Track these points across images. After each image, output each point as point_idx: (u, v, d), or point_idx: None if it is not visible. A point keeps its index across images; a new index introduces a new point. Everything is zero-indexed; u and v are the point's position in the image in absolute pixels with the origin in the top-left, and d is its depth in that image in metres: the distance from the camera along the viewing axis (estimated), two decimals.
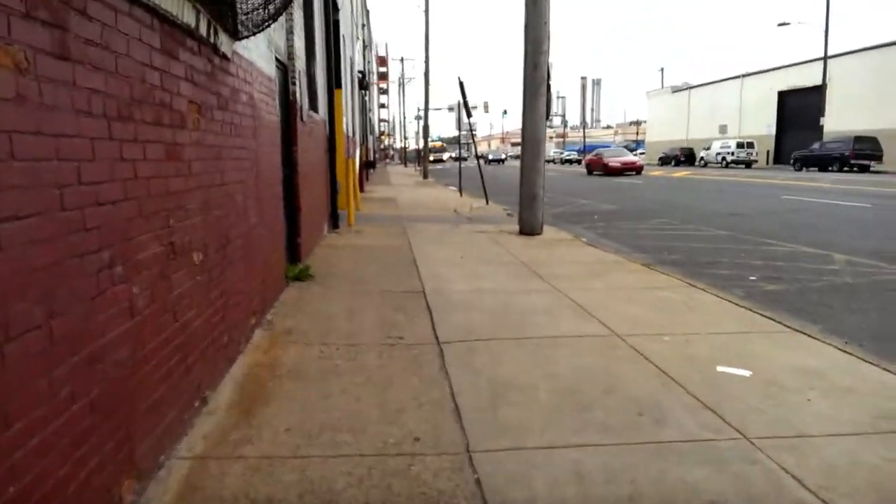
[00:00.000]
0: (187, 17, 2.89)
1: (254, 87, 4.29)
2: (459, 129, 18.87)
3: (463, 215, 12.86)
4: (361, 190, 19.20)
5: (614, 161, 33.18)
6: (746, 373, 3.51)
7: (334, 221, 10.03)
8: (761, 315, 4.75)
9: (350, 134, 16.98)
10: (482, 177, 15.79)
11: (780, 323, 4.54)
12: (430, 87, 33.18)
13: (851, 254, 7.83)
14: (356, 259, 7.15)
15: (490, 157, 68.35)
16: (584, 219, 12.60)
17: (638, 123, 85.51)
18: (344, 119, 14.55)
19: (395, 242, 8.55)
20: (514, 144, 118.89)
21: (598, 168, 33.92)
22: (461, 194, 18.56)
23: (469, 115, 15.12)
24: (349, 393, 3.22)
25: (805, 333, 4.29)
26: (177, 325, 2.77)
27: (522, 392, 3.24)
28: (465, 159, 63.00)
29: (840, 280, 6.49)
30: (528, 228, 9.47)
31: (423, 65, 32.94)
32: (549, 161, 63.60)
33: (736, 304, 5.10)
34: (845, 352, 3.92)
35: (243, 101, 3.96)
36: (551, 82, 9.44)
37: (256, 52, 4.42)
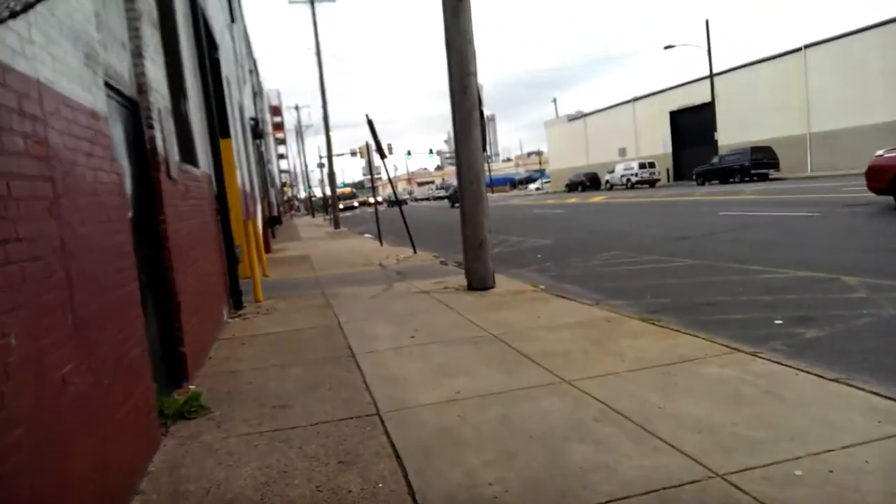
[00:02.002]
0: None
1: (47, 124, 2.40)
2: (372, 171, 17.17)
3: (391, 269, 11.08)
4: (268, 251, 17.04)
5: None
6: None
7: (236, 300, 7.97)
8: (877, 395, 3.28)
9: (248, 189, 14.90)
10: (405, 222, 14.10)
11: None
12: (331, 133, 31.44)
13: (856, 273, 6.71)
14: (269, 360, 5.20)
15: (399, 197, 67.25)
16: (526, 259, 11.15)
17: (539, 154, 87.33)
18: (238, 172, 12.53)
19: (318, 322, 6.63)
20: (420, 184, 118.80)
21: None
22: (381, 243, 16.80)
23: (383, 155, 13.46)
24: None
25: None
26: None
27: None
28: (405, 202, 59.18)
29: (886, 313, 5.24)
30: (479, 282, 7.83)
31: (321, 110, 31.22)
32: (443, 197, 62.90)
33: (822, 378, 3.62)
34: None
35: (8, 149, 2.06)
36: (484, 108, 7.98)
37: (51, 67, 2.54)
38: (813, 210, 13.52)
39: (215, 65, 10.87)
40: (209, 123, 7.93)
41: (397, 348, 5.16)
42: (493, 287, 7.85)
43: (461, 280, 8.68)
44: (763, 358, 4.03)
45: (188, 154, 6.32)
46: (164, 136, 4.88)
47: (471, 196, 7.82)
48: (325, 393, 4.13)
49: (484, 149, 7.90)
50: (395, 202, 16.10)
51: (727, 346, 4.35)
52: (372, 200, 69.56)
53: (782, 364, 3.89)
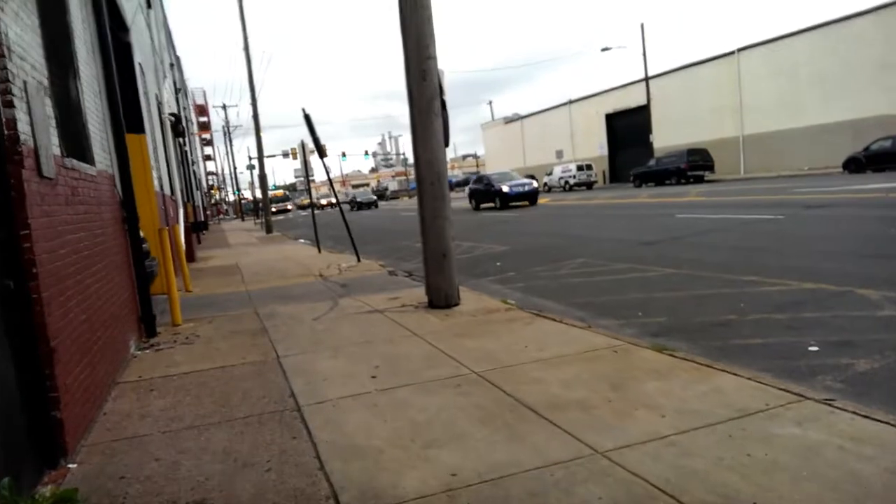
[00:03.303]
0: None
1: None
2: (307, 172, 15.78)
3: (334, 281, 9.83)
4: (192, 260, 15.37)
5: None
6: None
7: (148, 326, 6.56)
8: None
9: (167, 192, 13.26)
10: (348, 227, 12.83)
11: None
12: (262, 134, 29.57)
13: (870, 285, 6.03)
14: (184, 417, 3.92)
15: (358, 199, 58.52)
16: (484, 268, 10.14)
17: (476, 156, 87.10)
18: (155, 174, 10.96)
19: (251, 354, 5.36)
20: (354, 187, 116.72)
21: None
22: (319, 250, 15.45)
23: (322, 154, 12.14)
24: None
25: None
26: None
27: None
28: (373, 205, 55.09)
29: None
30: (443, 300, 6.73)
31: (251, 107, 29.34)
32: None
33: None
34: None
35: None
36: (446, 97, 6.89)
37: None
38: (774, 212, 13.14)
39: (125, 49, 9.36)
40: (113, 114, 6.50)
41: (356, 396, 3.99)
42: (458, 304, 6.77)
43: (418, 295, 7.58)
44: (846, 410, 3.11)
45: (79, 148, 4.93)
46: (32, 120, 3.55)
47: (431, 199, 6.71)
48: (261, 478, 2.92)
49: (446, 143, 6.82)
50: (339, 204, 14.81)
51: (787, 391, 3.42)
52: (324, 202, 62.73)
53: (875, 420, 2.97)
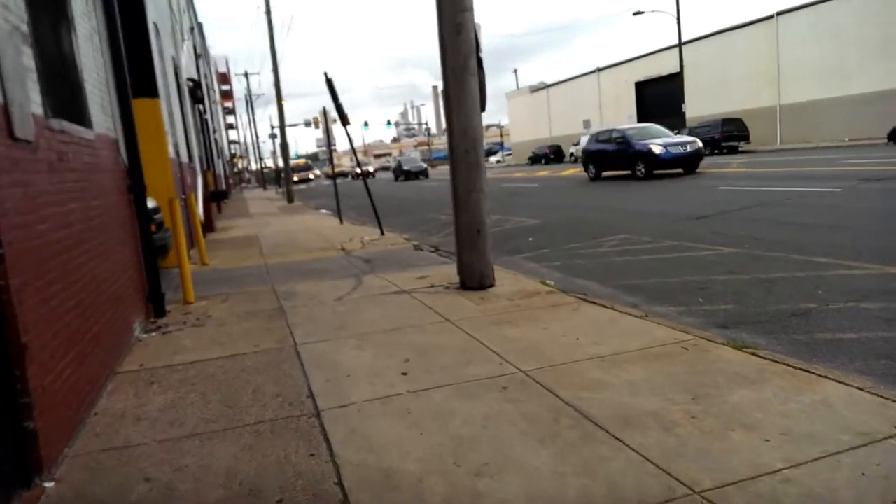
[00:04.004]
0: None
1: None
2: (329, 139, 15.15)
3: (357, 255, 9.27)
4: (211, 230, 14.94)
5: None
6: None
7: (157, 305, 6.05)
8: None
9: (184, 160, 12.73)
10: (371, 199, 12.22)
11: None
12: (284, 104, 28.91)
13: None
14: (186, 420, 3.38)
15: (405, 166, 47.54)
16: (516, 243, 9.49)
17: (500, 126, 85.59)
18: (170, 140, 10.43)
19: (265, 341, 4.81)
20: (376, 156, 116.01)
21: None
22: (341, 221, 14.91)
23: (345, 122, 11.48)
24: None
25: None
26: None
27: None
28: (422, 174, 46.21)
29: None
30: (476, 280, 6.11)
31: (272, 74, 28.67)
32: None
33: None
34: None
35: None
36: (482, 55, 6.17)
37: None
38: (828, 185, 12.19)
39: (137, 5, 8.74)
40: (117, 73, 5.90)
41: (385, 398, 3.41)
42: (492, 285, 6.15)
43: (447, 273, 6.98)
44: None
45: (72, 109, 4.36)
46: (1, 71, 2.96)
47: (465, 169, 6.05)
48: None
49: (483, 107, 6.12)
50: (364, 175, 14.19)
51: None
52: (359, 170, 58.35)
53: None
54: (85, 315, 3.79)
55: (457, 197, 6.15)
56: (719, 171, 17.06)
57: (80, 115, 4.50)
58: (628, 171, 20.11)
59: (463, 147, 6.01)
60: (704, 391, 3.15)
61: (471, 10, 5.95)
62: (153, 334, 5.38)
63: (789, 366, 3.39)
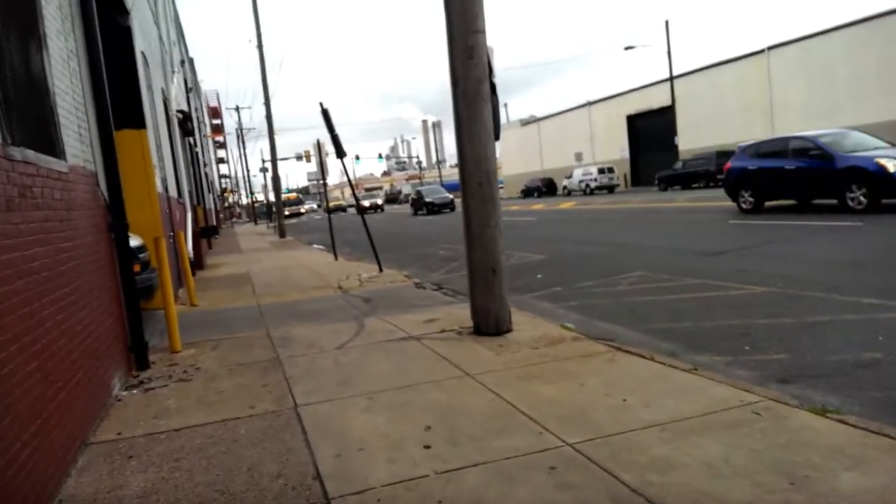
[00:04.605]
0: None
1: None
2: (322, 172, 14.68)
3: (356, 294, 8.69)
4: (200, 267, 14.32)
5: None
6: None
7: (139, 356, 5.43)
8: None
9: (174, 194, 12.19)
10: (369, 233, 11.69)
11: None
12: (275, 137, 28.54)
13: None
14: None
15: (427, 198, 38.10)
16: (524, 280, 8.97)
17: None
18: (158, 174, 9.90)
19: (261, 401, 4.20)
20: (367, 190, 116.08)
21: None
22: (336, 257, 14.34)
23: (341, 154, 11.01)
24: None
25: None
26: None
27: None
28: (448, 206, 37.30)
29: None
30: (493, 324, 5.55)
31: (264, 108, 28.36)
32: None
33: None
34: None
35: None
36: (495, 80, 5.73)
37: None
38: (846, 219, 11.77)
39: (124, 34, 8.31)
40: (97, 100, 5.40)
41: (409, 482, 2.82)
42: (510, 330, 5.60)
43: (457, 315, 6.43)
44: None
45: (40, 138, 3.83)
46: None
47: (479, 202, 5.54)
48: None
49: (496, 135, 5.65)
50: (361, 210, 13.69)
51: None
52: (366, 203, 48.06)
53: None
54: (49, 380, 3.19)
55: (469, 233, 5.63)
56: (723, 205, 16.73)
57: (49, 144, 3.97)
58: (832, 200, 13.42)
59: (476, 179, 5.52)
60: (801, 473, 2.59)
61: (483, 31, 5.52)
62: (134, 391, 4.76)
63: (892, 437, 2.84)
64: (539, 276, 9.33)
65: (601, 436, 3.14)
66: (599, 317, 6.34)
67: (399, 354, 5.17)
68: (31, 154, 3.41)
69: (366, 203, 50.82)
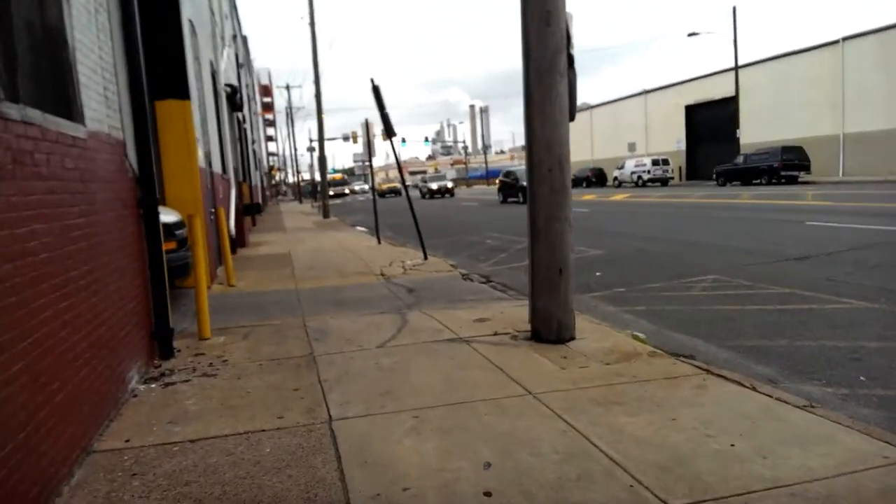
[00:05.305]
0: None
1: None
2: (370, 152, 14.14)
3: (399, 283, 8.13)
4: (242, 245, 14.01)
5: None
6: None
7: (163, 345, 4.96)
8: None
9: (218, 170, 11.82)
10: (416, 219, 11.10)
11: None
12: (322, 118, 28.20)
13: None
14: None
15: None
16: (585, 278, 8.20)
17: None
18: (201, 148, 9.48)
19: (290, 410, 3.65)
20: (411, 174, 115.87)
21: None
22: (379, 240, 13.82)
23: (391, 133, 10.42)
24: None
25: None
26: None
27: None
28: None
29: None
30: (553, 331, 4.88)
31: (314, 86, 28.03)
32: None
33: None
34: None
35: None
36: (573, 51, 5.00)
37: None
38: None
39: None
40: (130, 60, 4.89)
41: None
42: (573, 338, 4.91)
43: (511, 316, 5.80)
44: None
45: (51, 94, 3.31)
46: None
47: (548, 191, 4.85)
48: None
49: (571, 117, 4.93)
50: (407, 192, 13.13)
51: None
52: (434, 186, 41.49)
53: None
54: (40, 382, 2.68)
55: (534, 225, 4.95)
56: (794, 204, 15.55)
57: (64, 104, 3.46)
58: None
59: (546, 165, 4.82)
60: None
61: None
62: (153, 385, 4.28)
63: None
64: (598, 273, 8.58)
65: (712, 498, 2.46)
66: (674, 327, 5.60)
67: (448, 360, 4.55)
68: (34, 114, 2.88)
69: (433, 186, 45.50)
